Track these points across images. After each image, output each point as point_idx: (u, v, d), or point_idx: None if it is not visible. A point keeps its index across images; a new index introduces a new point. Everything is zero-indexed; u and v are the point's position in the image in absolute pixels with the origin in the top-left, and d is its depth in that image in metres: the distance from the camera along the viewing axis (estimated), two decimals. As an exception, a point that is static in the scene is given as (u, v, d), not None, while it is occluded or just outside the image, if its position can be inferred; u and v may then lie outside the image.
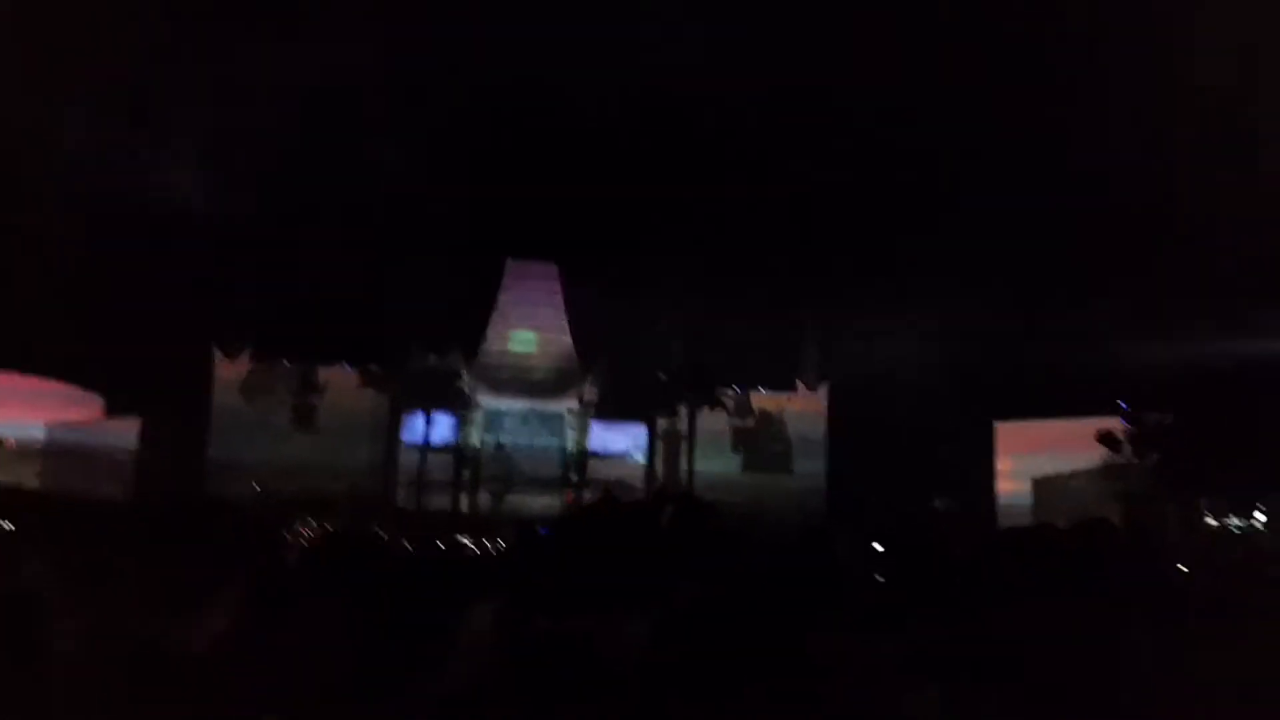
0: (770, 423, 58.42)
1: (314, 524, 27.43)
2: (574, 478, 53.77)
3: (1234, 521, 36.18)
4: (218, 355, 54.00)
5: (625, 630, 1.86)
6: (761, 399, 58.63)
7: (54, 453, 50.01)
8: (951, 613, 3.29)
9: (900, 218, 58.89)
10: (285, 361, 54.42)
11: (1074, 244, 50.18)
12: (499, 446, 54.39)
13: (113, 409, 53.89)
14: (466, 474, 53.00)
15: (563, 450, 55.41)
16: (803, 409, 58.38)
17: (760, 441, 58.29)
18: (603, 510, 2.27)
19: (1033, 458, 51.48)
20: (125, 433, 51.33)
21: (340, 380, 53.94)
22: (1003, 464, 56.17)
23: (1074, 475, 46.42)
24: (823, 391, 58.46)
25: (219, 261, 52.10)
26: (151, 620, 2.03)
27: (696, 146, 60.67)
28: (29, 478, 44.12)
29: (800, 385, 58.77)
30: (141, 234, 52.75)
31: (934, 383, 50.47)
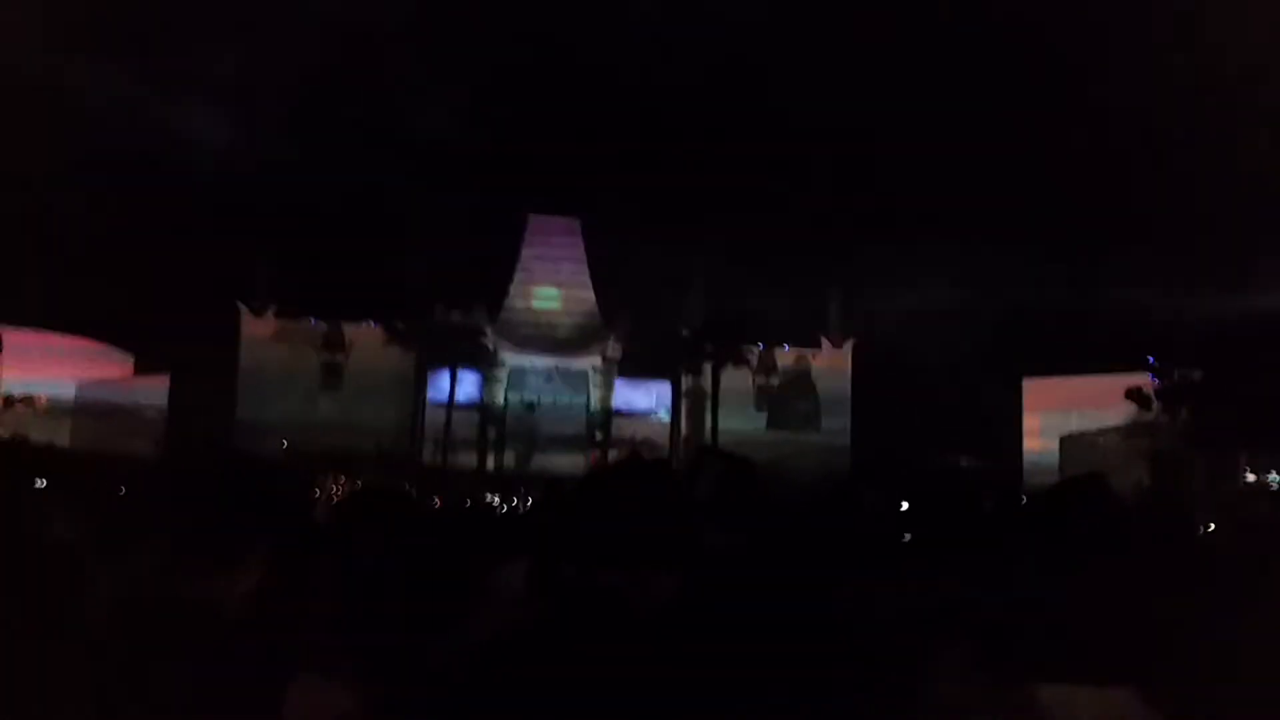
0: (795, 380, 58.27)
1: (342, 480, 27.78)
2: (598, 435, 53.96)
3: (1275, 477, 35.89)
4: (244, 312, 54.33)
5: (655, 584, 1.86)
6: (786, 355, 58.44)
7: (86, 410, 50.69)
8: (979, 571, 3.27)
9: (926, 168, 58.28)
10: (311, 319, 54.73)
11: (1102, 197, 49.51)
12: (523, 404, 54.58)
13: (143, 367, 54.49)
14: (491, 431, 53.31)
15: (587, 408, 55.55)
16: (827, 365, 58.18)
17: (784, 399, 58.20)
18: (630, 466, 2.26)
19: (1060, 414, 51.22)
20: (155, 390, 51.92)
21: (366, 337, 54.18)
22: (1030, 421, 55.92)
23: (1102, 432, 46.14)
24: (847, 347, 58.19)
25: (245, 219, 52.39)
26: (182, 578, 2.04)
27: (721, 100, 60.11)
28: (61, 435, 44.75)
29: (825, 341, 58.52)
30: (169, 192, 53.05)
31: (961, 339, 50.22)
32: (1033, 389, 56.18)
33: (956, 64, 56.68)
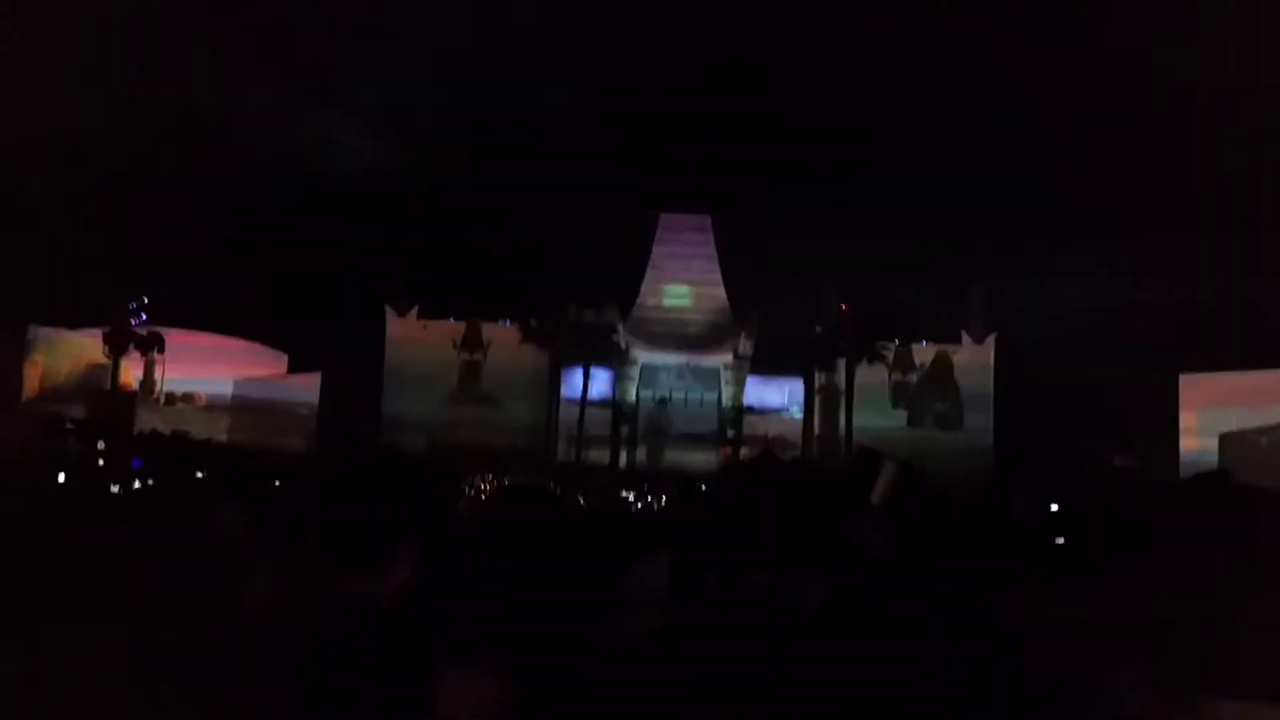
0: (934, 376, 56.75)
1: (487, 478, 28.43)
2: (730, 432, 53.75)
3: None
4: (389, 313, 56.21)
5: (807, 587, 1.79)
6: (924, 351, 56.96)
7: (242, 406, 53.33)
8: (1138, 579, 3.06)
9: (1073, 158, 55.97)
10: (451, 319, 56.26)
11: (1261, 184, 46.50)
12: (655, 401, 54.82)
13: (296, 365, 56.99)
14: (624, 428, 53.73)
15: (719, 404, 55.40)
16: (968, 361, 56.46)
17: (922, 396, 56.77)
18: (771, 464, 2.20)
19: (1220, 412, 48.43)
20: (307, 387, 54.26)
21: (503, 337, 55.36)
22: (1187, 419, 53.05)
23: (1264, 431, 43.42)
24: (990, 342, 56.32)
25: (390, 224, 54.30)
26: (334, 572, 2.08)
27: (856, 95, 59.06)
28: (219, 430, 47.18)
29: (966, 336, 56.79)
30: (321, 200, 55.44)
31: (1112, 331, 47.91)
32: (1190, 385, 53.27)
33: (1103, 57, 54.26)
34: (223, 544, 3.20)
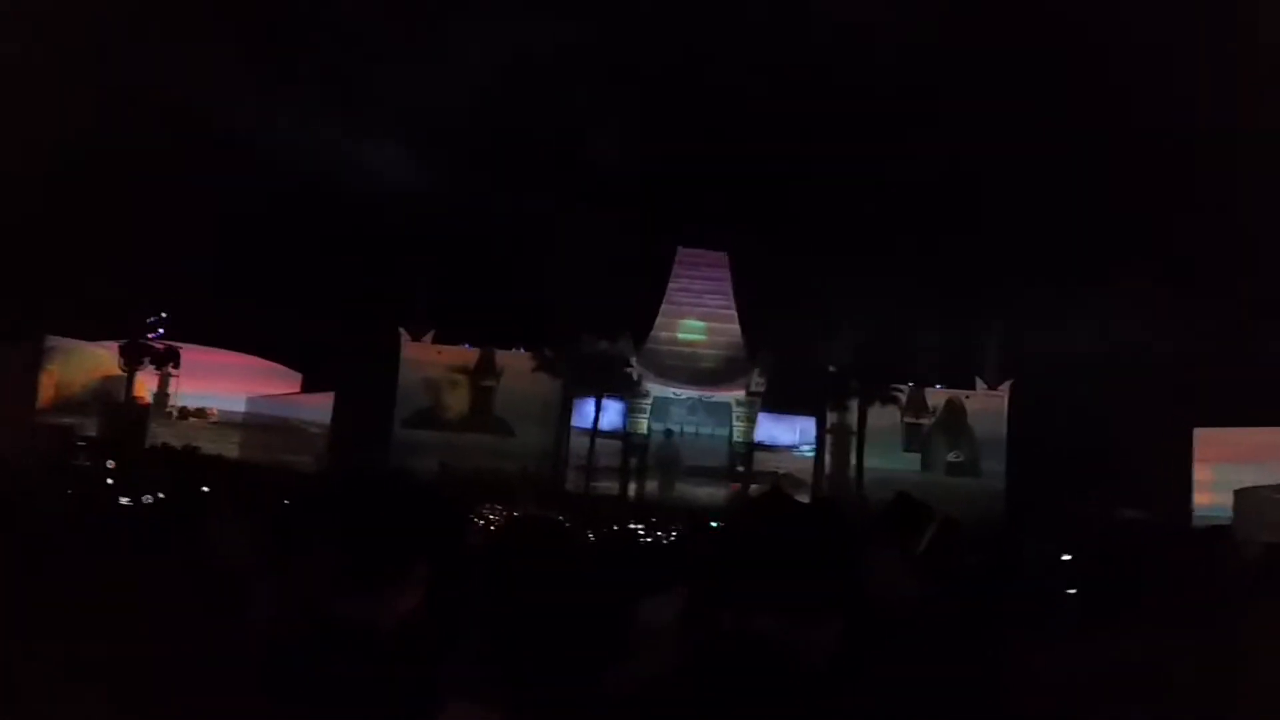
0: (946, 420, 56.53)
1: (495, 506, 28.37)
2: (740, 468, 53.57)
3: None
4: (405, 336, 56.39)
5: (818, 635, 1.75)
6: (937, 395, 56.76)
7: (254, 423, 53.44)
8: (1148, 630, 3.03)
9: (1090, 203, 55.93)
10: (466, 344, 56.39)
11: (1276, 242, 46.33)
12: (666, 434, 54.73)
13: (310, 385, 57.14)
14: (633, 460, 53.60)
15: (729, 440, 55.26)
16: (982, 407, 56.21)
17: (935, 440, 56.51)
18: (786, 505, 2.16)
19: (1235, 467, 48.01)
20: (320, 407, 54.36)
21: (516, 364, 55.45)
22: (1200, 473, 52.61)
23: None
24: (1004, 389, 56.09)
25: (408, 248, 54.57)
26: (339, 595, 2.06)
27: (875, 137, 59.28)
28: (230, 447, 47.25)
29: (980, 382, 56.57)
30: (339, 222, 55.85)
31: (1127, 382, 47.61)
32: (1204, 439, 52.86)
33: (1124, 105, 54.34)
34: (228, 561, 3.18)
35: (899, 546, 2.50)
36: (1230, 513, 45.13)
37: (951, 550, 2.60)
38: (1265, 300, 47.32)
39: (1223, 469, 49.34)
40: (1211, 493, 49.67)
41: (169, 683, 2.13)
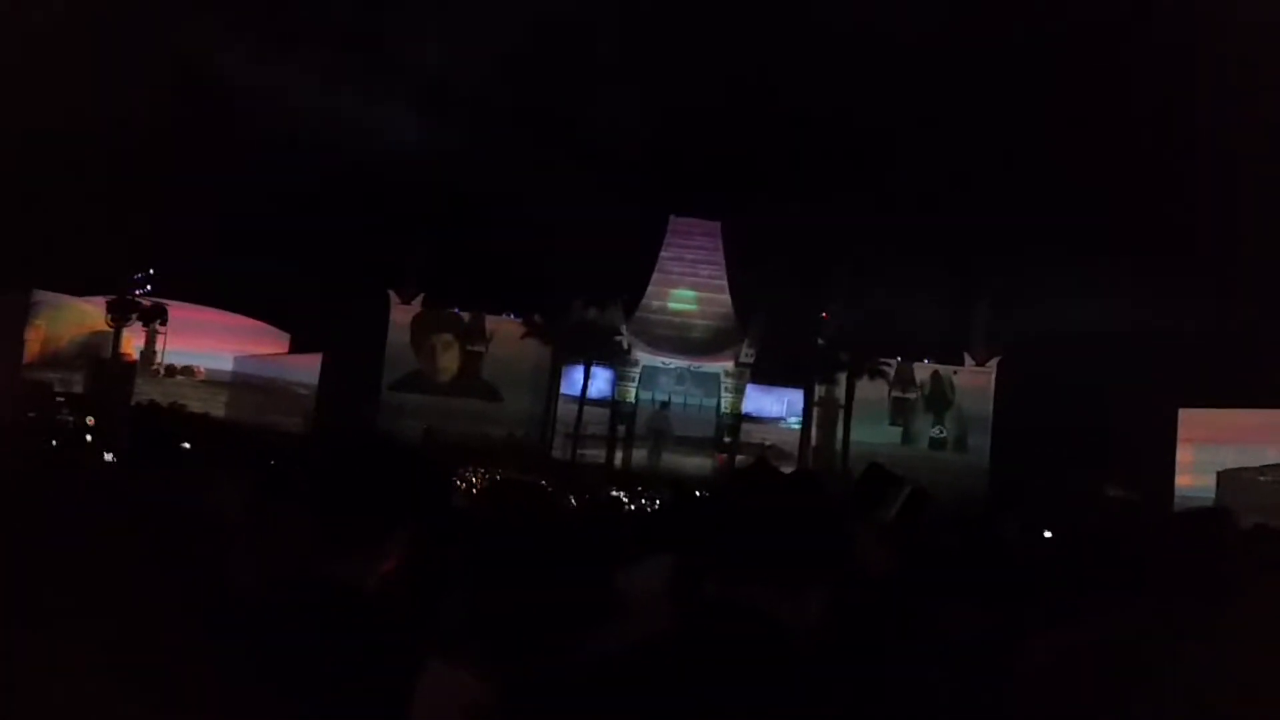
0: (933, 395, 56.76)
1: (480, 470, 28.43)
2: (727, 439, 53.74)
3: None
4: (394, 299, 56.19)
5: (805, 602, 1.75)
6: (924, 370, 56.95)
7: (241, 383, 53.35)
8: (1130, 609, 3.05)
9: (1080, 181, 55.94)
10: (455, 309, 56.23)
11: (1268, 214, 46.35)
12: (654, 403, 54.82)
13: (298, 345, 56.99)
14: (621, 428, 53.71)
15: (717, 411, 55.39)
16: (969, 383, 56.43)
17: (921, 415, 56.77)
18: (772, 475, 2.16)
19: (1218, 449, 48.39)
20: (308, 368, 54.26)
21: (506, 329, 55.35)
22: (1183, 454, 53.00)
23: (1264, 469, 43.35)
24: (992, 365, 56.30)
25: (399, 210, 54.30)
26: (322, 554, 2.04)
27: (866, 106, 59.06)
28: (217, 406, 47.18)
29: (968, 357, 56.76)
30: (331, 182, 55.47)
31: (1114, 362, 47.85)
32: (1188, 420, 53.20)
33: (1112, 85, 54.12)
34: (212, 519, 3.16)
35: (869, 515, 2.51)
36: (1212, 494, 45.58)
37: (922, 519, 2.62)
38: (1252, 281, 47.51)
39: (1206, 450, 49.72)
40: (1193, 474, 50.09)
41: (150, 642, 2.12)
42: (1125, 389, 47.03)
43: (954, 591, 2.67)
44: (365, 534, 2.05)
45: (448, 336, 55.87)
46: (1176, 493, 50.41)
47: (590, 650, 1.87)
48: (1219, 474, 46.50)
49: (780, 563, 1.75)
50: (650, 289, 57.69)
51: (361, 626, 1.95)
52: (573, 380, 53.29)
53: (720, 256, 58.10)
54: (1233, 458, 46.73)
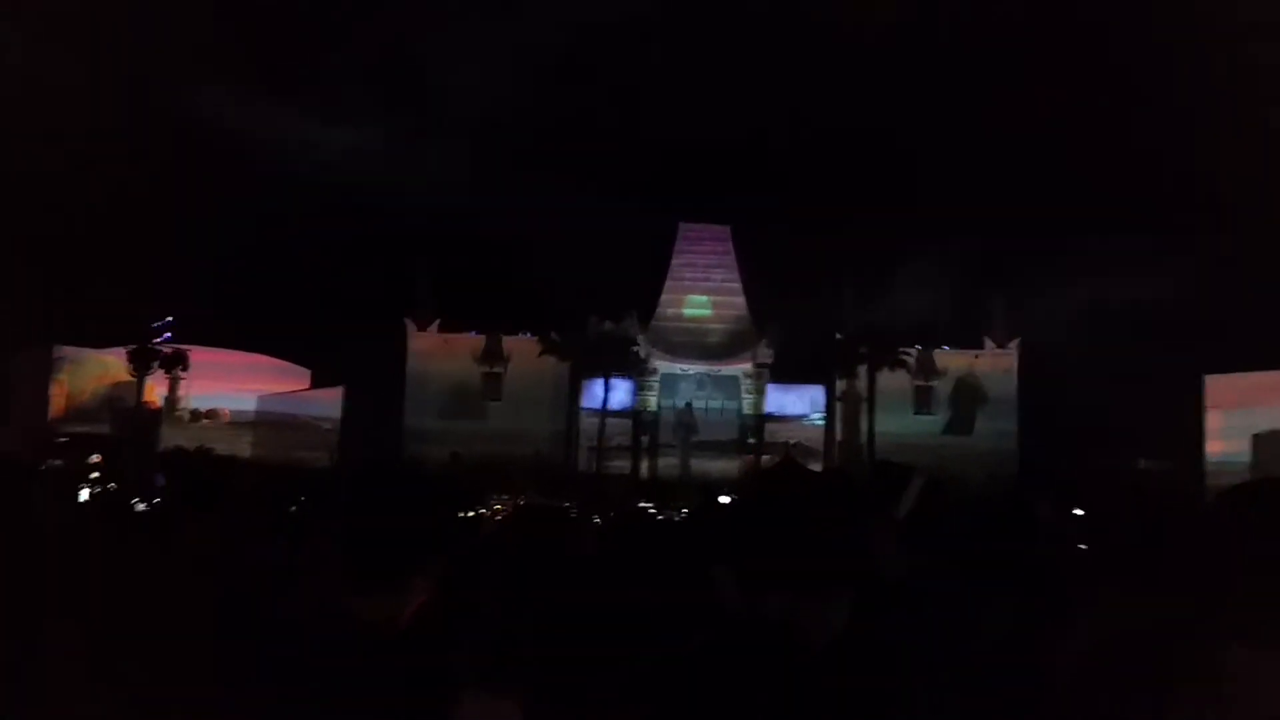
0: (956, 382, 56.39)
1: (505, 497, 28.44)
2: (751, 440, 53.57)
3: None
4: (410, 327, 56.40)
5: (828, 612, 1.75)
6: (946, 356, 56.60)
7: (266, 422, 53.59)
8: (1167, 586, 2.99)
9: (1095, 157, 55.61)
10: (472, 332, 56.41)
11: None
12: (676, 410, 54.73)
13: (319, 380, 57.24)
14: (645, 438, 53.66)
15: (739, 413, 55.26)
16: (992, 367, 56.08)
17: (945, 402, 56.42)
18: (796, 477, 2.14)
19: (1248, 412, 47.70)
20: (330, 402, 54.51)
21: (523, 349, 55.47)
22: (1213, 420, 52.28)
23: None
24: (1013, 347, 55.92)
25: (409, 239, 54.57)
26: (352, 594, 2.07)
27: (873, 99, 58.97)
28: (243, 446, 47.38)
29: (988, 341, 56.41)
30: (340, 217, 55.85)
31: (1136, 333, 47.43)
32: (1215, 385, 52.46)
33: (1126, 62, 53.84)
34: (242, 561, 3.19)
35: (884, 512, 2.50)
36: (1247, 459, 44.93)
37: (939, 508, 2.60)
38: (1269, 242, 47.01)
39: (1235, 415, 49.06)
40: (1225, 439, 49.45)
41: (183, 682, 2.15)
42: (1149, 359, 46.57)
43: (983, 578, 2.65)
44: (394, 569, 2.07)
45: (466, 360, 56.04)
46: (1208, 460, 49.76)
47: (620, 668, 1.88)
48: (1255, 437, 45.85)
49: (807, 572, 1.74)
50: (664, 297, 57.73)
51: (395, 661, 1.97)
52: (593, 394, 53.32)
53: (732, 260, 58.08)
54: (1265, 421, 46.10)
